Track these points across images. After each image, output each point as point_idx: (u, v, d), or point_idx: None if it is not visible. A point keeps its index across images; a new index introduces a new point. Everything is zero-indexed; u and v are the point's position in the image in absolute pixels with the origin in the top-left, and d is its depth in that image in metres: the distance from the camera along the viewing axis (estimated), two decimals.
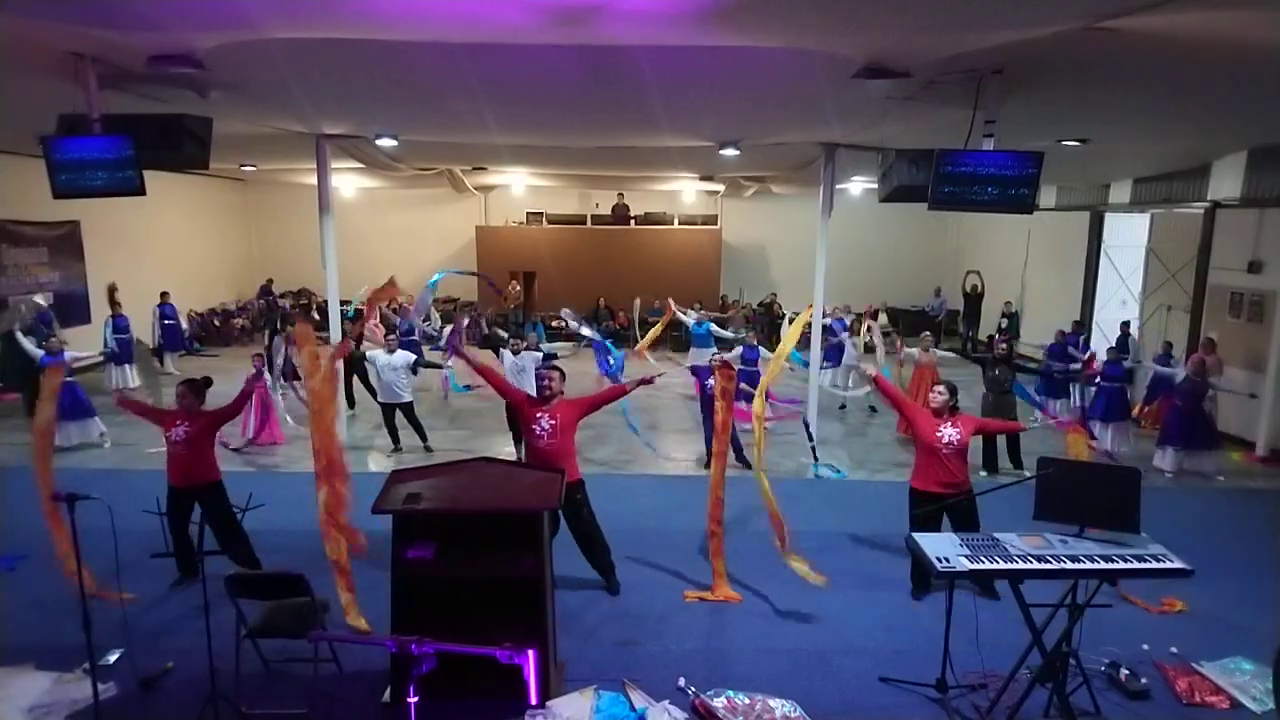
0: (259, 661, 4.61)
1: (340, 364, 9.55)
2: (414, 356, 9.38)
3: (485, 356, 7.65)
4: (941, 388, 5.60)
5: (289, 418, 9.71)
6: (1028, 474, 8.06)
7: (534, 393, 8.21)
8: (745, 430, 9.81)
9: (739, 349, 10.30)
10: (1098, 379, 9.62)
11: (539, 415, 5.49)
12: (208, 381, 6.00)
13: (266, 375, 9.48)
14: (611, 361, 9.50)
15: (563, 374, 5.83)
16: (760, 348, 10.44)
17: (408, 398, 9.09)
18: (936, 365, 9.59)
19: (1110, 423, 9.47)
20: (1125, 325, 11.64)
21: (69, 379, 8.99)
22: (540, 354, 9.11)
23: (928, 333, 10.54)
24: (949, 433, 5.42)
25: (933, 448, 5.45)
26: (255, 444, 9.33)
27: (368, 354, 9.22)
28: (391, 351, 9.07)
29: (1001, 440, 8.66)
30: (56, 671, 4.59)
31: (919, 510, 5.43)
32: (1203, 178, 9.62)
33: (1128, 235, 13.46)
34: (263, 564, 5.72)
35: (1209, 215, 10.57)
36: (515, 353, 8.81)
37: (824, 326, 11.98)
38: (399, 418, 9.17)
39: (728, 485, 7.19)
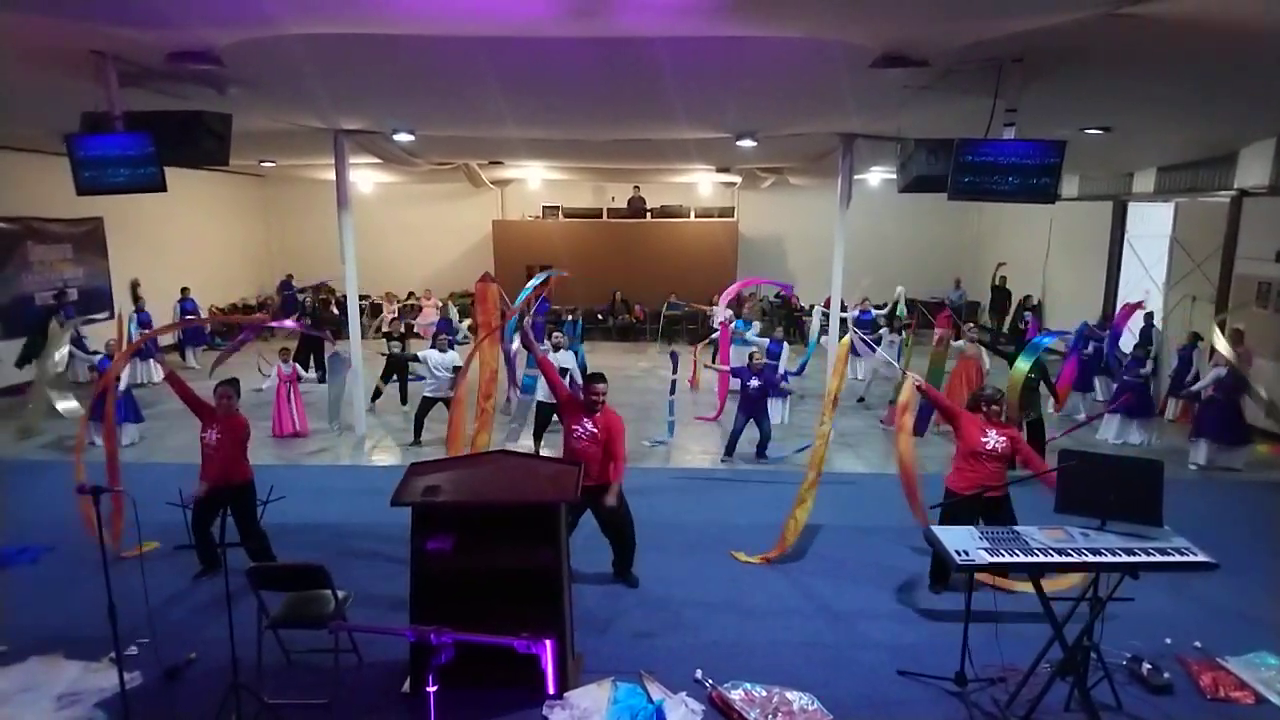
0: (280, 652, 4.67)
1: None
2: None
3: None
4: (997, 406, 5.44)
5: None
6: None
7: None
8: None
9: (765, 342, 10.32)
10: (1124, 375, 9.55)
11: (584, 419, 5.51)
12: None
13: (299, 368, 9.71)
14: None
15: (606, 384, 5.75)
16: (784, 341, 10.51)
17: (453, 393, 9.20)
18: (981, 357, 9.53)
19: (1134, 418, 9.39)
20: (1149, 316, 11.47)
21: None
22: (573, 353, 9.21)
23: (971, 324, 10.44)
24: (995, 438, 5.33)
25: (977, 452, 5.34)
26: (281, 436, 9.47)
27: (419, 353, 9.31)
28: (444, 350, 9.18)
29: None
30: (84, 661, 4.67)
31: (948, 501, 5.28)
32: (1229, 165, 9.45)
33: (1151, 225, 13.25)
34: (285, 556, 5.78)
35: (1235, 204, 10.38)
36: (556, 349, 8.85)
37: (852, 319, 12.05)
38: (431, 412, 9.29)
39: (750, 479, 7.19)
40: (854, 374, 12.78)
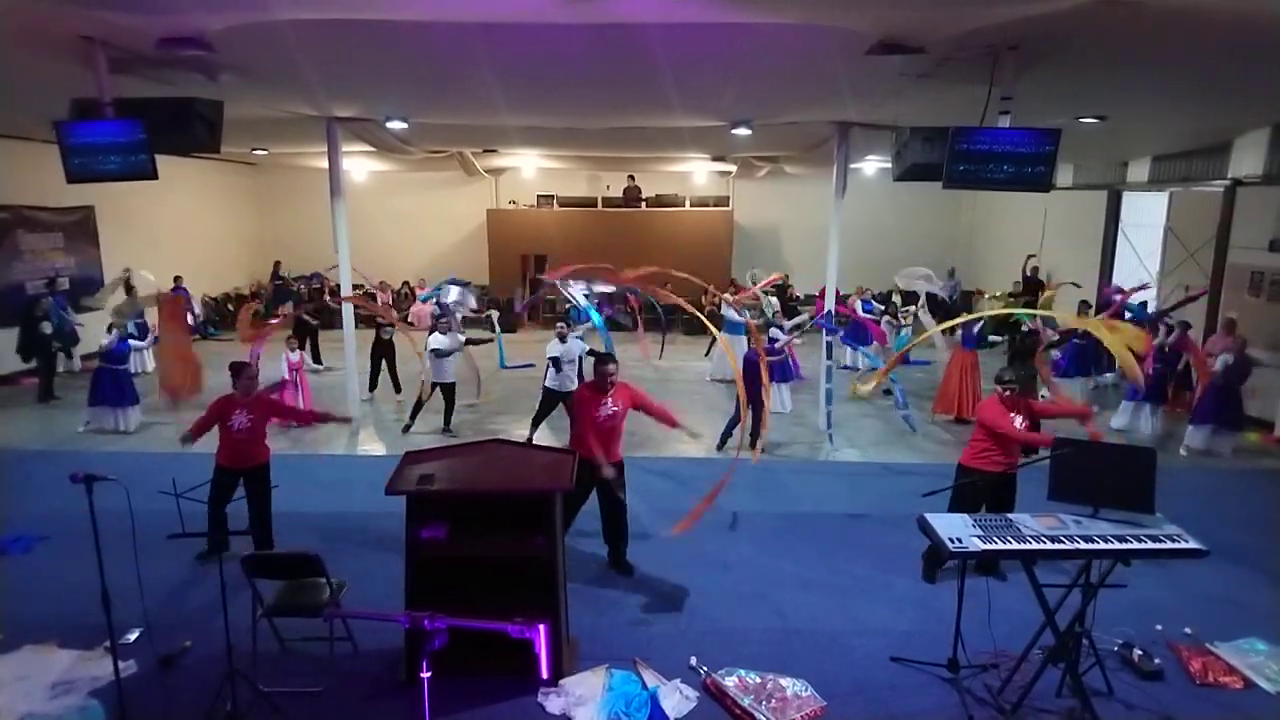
0: (276, 640, 4.68)
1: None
2: (463, 338, 9.45)
3: None
4: (1011, 385, 5.49)
5: None
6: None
7: (572, 382, 8.40)
8: (776, 414, 9.81)
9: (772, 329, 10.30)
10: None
11: (603, 400, 5.58)
12: None
13: (306, 356, 9.71)
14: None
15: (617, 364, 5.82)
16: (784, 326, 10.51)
17: (452, 379, 9.25)
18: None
19: (1146, 403, 9.40)
20: (1143, 305, 11.50)
21: (120, 366, 9.19)
22: (582, 340, 9.15)
23: (966, 315, 10.49)
24: (1019, 421, 5.41)
25: (1009, 436, 5.39)
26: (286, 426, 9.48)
27: (428, 341, 9.17)
28: (445, 333, 9.14)
29: None
30: (78, 649, 4.67)
31: (964, 480, 5.34)
32: (1223, 155, 9.45)
33: (1146, 214, 13.28)
34: (280, 544, 5.79)
35: (1229, 193, 10.40)
36: (563, 339, 8.75)
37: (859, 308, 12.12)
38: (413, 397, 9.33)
39: (744, 469, 7.18)
40: (853, 364, 12.82)
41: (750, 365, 8.48)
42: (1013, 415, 5.43)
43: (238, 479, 5.70)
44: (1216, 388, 8.67)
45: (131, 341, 9.64)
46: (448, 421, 9.28)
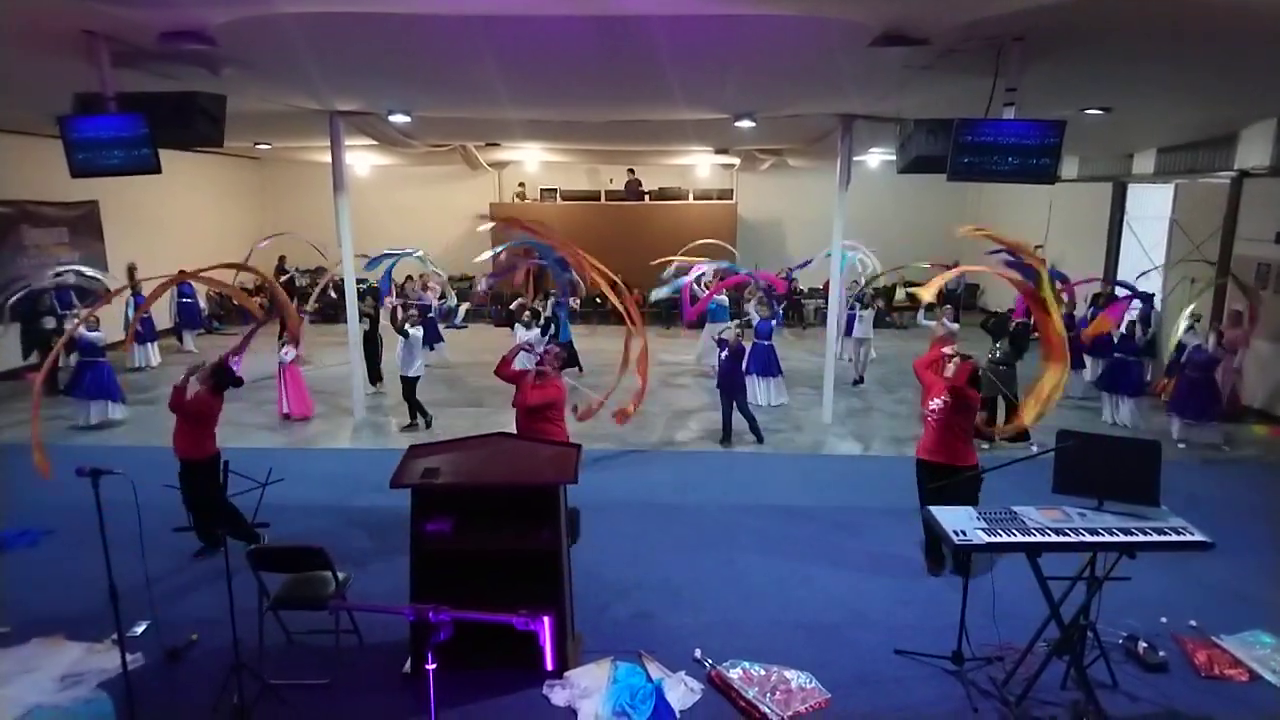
0: (282, 633, 4.70)
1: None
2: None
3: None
4: (954, 361, 5.49)
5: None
6: (1035, 449, 8.10)
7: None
8: (757, 407, 9.80)
9: (755, 320, 10.31)
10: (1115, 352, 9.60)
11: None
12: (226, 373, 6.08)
13: (296, 351, 9.71)
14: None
15: (559, 355, 6.18)
16: (774, 320, 10.52)
17: (412, 373, 9.14)
18: (954, 339, 9.52)
19: (1124, 395, 9.44)
20: (1149, 298, 11.43)
21: (100, 359, 9.18)
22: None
23: (948, 305, 10.49)
24: (934, 403, 5.41)
25: (924, 415, 5.51)
26: (288, 419, 9.51)
27: (409, 329, 9.12)
28: (414, 325, 9.17)
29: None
30: (86, 642, 4.70)
31: (931, 485, 5.35)
32: (1230, 146, 9.41)
33: (1151, 206, 13.20)
34: (286, 538, 5.82)
35: (1236, 185, 10.33)
36: (527, 327, 8.96)
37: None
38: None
39: (748, 463, 7.18)
40: (843, 355, 12.76)
41: (727, 366, 8.54)
42: (935, 397, 5.41)
43: (185, 470, 5.84)
44: (1188, 379, 8.70)
45: (92, 334, 9.20)
46: (425, 415, 9.27)
